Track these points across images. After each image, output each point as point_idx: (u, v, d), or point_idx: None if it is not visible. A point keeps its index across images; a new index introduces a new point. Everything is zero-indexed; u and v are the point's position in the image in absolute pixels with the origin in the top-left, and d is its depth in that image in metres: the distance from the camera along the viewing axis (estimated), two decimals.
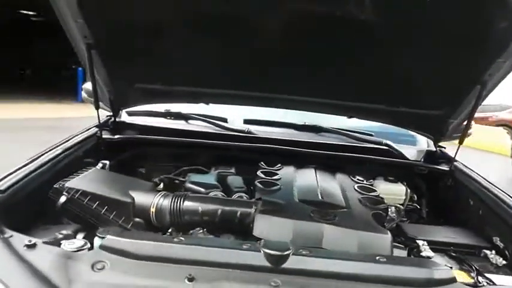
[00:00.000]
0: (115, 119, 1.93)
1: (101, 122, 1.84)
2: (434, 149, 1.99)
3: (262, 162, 1.75)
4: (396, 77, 1.61)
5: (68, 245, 1.07)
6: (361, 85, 1.71)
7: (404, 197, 1.82)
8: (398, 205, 1.78)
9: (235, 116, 2.09)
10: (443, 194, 1.87)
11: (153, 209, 1.34)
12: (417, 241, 1.38)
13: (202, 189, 1.50)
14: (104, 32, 1.51)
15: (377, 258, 1.09)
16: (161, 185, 1.58)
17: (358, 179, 1.75)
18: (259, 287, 0.98)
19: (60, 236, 1.19)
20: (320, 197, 1.48)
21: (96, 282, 0.95)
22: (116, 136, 1.84)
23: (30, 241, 1.02)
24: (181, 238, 1.11)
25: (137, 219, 1.36)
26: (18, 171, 1.28)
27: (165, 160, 1.90)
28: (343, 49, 1.49)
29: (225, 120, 2.06)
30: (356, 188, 1.62)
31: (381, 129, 2.11)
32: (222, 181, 1.60)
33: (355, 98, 1.80)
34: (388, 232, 1.28)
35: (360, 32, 1.39)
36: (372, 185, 1.75)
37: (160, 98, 1.91)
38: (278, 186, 1.53)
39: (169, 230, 1.33)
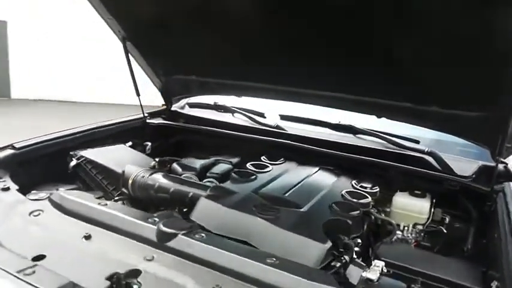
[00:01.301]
0: (167, 107, 2.19)
1: (157, 110, 2.15)
2: (494, 164, 1.54)
3: (264, 156, 1.72)
4: (427, 69, 1.36)
5: (32, 195, 1.33)
6: (387, 79, 1.50)
7: (426, 216, 1.49)
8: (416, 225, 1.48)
9: (273, 110, 2.07)
10: (479, 218, 1.46)
11: (130, 181, 1.52)
12: (374, 261, 1.15)
13: (180, 170, 1.59)
14: (134, 27, 1.77)
15: (267, 259, 0.99)
16: (153, 164, 1.72)
17: (361, 186, 1.52)
18: (137, 255, 1.04)
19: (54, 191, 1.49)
20: (284, 194, 1.38)
21: (24, 222, 1.18)
22: (156, 121, 2.10)
23: (5, 185, 1.34)
24: (105, 203, 1.25)
25: (124, 190, 1.56)
26: (42, 137, 1.65)
27: (197, 147, 2.05)
28: (370, 37, 1.36)
29: (262, 114, 2.07)
30: (343, 193, 1.43)
31: (440, 136, 1.75)
32: (208, 167, 1.64)
33: (380, 94, 1.58)
34: (328, 242, 1.11)
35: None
36: (376, 193, 1.50)
37: (197, 90, 2.08)
38: (253, 177, 1.49)
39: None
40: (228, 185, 1.42)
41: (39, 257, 1.03)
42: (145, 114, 2.11)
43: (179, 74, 1.98)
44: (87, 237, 1.12)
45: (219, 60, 1.81)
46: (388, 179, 1.64)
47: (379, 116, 1.67)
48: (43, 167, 1.61)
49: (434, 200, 1.54)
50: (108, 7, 1.66)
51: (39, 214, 1.23)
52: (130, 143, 1.92)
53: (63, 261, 1.03)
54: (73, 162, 1.64)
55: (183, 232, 1.09)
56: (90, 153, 1.67)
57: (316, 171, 1.63)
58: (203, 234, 1.10)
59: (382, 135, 1.76)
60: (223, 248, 1.04)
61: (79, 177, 1.65)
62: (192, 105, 2.30)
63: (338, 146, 1.72)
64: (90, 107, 9.23)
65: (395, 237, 1.50)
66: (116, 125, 1.96)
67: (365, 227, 1.38)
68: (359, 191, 1.46)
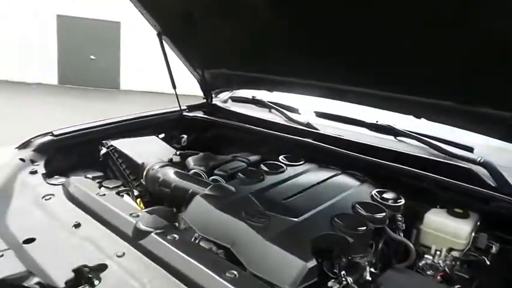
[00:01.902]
0: (207, 100, 2.18)
1: (197, 103, 2.16)
2: None
3: (283, 156, 1.59)
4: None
5: (52, 180, 1.42)
6: (426, 73, 1.28)
7: (463, 241, 1.22)
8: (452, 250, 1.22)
9: (308, 107, 1.92)
10: None
11: (144, 172, 1.53)
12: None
13: (191, 165, 1.55)
14: (167, 21, 1.79)
15: (227, 273, 0.91)
16: (173, 158, 1.70)
17: (382, 197, 1.31)
18: (110, 250, 1.04)
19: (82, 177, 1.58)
20: (287, 199, 1.25)
21: (34, 205, 1.26)
22: (192, 114, 2.10)
23: (33, 169, 1.45)
24: (104, 193, 1.27)
25: (142, 181, 1.58)
26: (80, 126, 1.75)
27: (231, 142, 2.00)
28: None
29: (296, 111, 1.94)
30: (356, 204, 1.24)
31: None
32: (220, 164, 1.57)
33: (417, 91, 1.35)
34: (311, 260, 0.97)
35: None
36: (399, 207, 1.27)
37: (232, 84, 2.03)
38: (260, 178, 1.38)
39: None
40: (231, 184, 1.34)
41: (29, 240, 1.09)
42: (183, 107, 2.12)
43: (213, 68, 1.95)
44: (77, 225, 1.15)
45: (252, 53, 1.73)
46: (423, 192, 1.39)
47: (417, 116, 1.42)
48: (78, 154, 1.72)
49: (479, 223, 1.26)
50: (142, 2, 1.68)
51: (50, 198, 1.31)
52: (162, 135, 1.95)
53: (47, 247, 1.07)
54: (103, 151, 1.71)
55: (157, 231, 1.06)
56: (119, 143, 1.73)
57: (335, 176, 1.45)
58: (176, 236, 1.05)
59: (425, 139, 1.51)
60: (187, 253, 0.98)
61: (108, 165, 1.72)
62: (234, 100, 2.26)
63: (368, 149, 1.51)
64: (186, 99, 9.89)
65: (422, 262, 1.28)
66: (152, 116, 2.01)
67: (378, 246, 1.19)
68: (376, 204, 1.26)
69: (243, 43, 1.71)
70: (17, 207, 1.26)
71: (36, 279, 0.89)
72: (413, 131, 1.57)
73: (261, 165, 1.48)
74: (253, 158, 1.68)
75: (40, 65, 11.35)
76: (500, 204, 1.23)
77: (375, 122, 1.68)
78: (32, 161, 1.52)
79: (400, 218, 1.32)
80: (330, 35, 1.37)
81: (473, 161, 1.37)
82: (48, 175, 1.46)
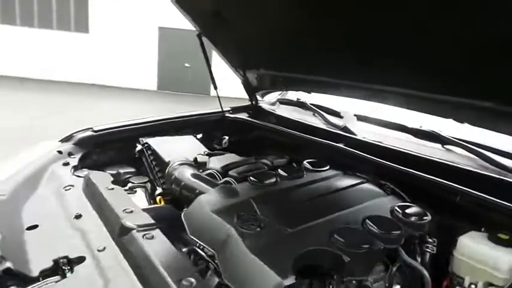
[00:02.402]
0: (252, 102, 2.13)
1: (242, 105, 2.13)
2: None
3: (307, 161, 1.45)
4: None
5: (78, 172, 1.50)
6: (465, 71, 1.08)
7: (505, 276, 0.97)
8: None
9: (350, 110, 1.75)
10: None
11: (167, 171, 1.53)
12: None
13: (209, 165, 1.50)
14: (206, 22, 1.79)
15: (183, 281, 0.85)
16: (199, 158, 1.66)
17: (404, 213, 1.10)
18: (95, 243, 1.05)
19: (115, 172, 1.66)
20: (288, 207, 1.13)
21: (54, 194, 1.35)
22: (233, 116, 2.06)
23: (66, 161, 1.55)
24: (112, 187, 1.29)
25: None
26: (119, 123, 1.83)
27: (271, 145, 1.92)
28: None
29: (338, 114, 1.78)
30: (366, 219, 1.06)
31: None
32: (237, 166, 1.49)
33: (456, 91, 1.13)
34: (289, 278, 0.86)
35: None
36: (423, 226, 1.06)
37: (274, 85, 1.94)
38: (271, 181, 1.27)
39: None
40: (240, 187, 1.26)
41: (32, 227, 1.15)
42: (227, 109, 2.10)
43: (252, 68, 1.90)
44: (77, 216, 1.19)
45: (288, 53, 1.65)
46: (465, 210, 1.15)
47: (459, 121, 1.19)
48: (116, 149, 1.80)
49: None
50: (179, 3, 1.71)
51: (69, 189, 1.38)
52: (200, 135, 1.94)
53: (44, 235, 1.12)
54: (138, 148, 1.77)
55: (138, 229, 1.04)
56: (154, 141, 1.77)
57: (356, 185, 1.28)
58: (154, 235, 1.02)
59: (474, 148, 1.25)
60: (156, 254, 0.93)
61: (142, 162, 1.77)
62: (282, 102, 2.18)
63: (404, 157, 1.31)
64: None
65: None
66: (193, 116, 2.02)
67: (390, 270, 1.01)
68: (393, 219, 1.07)
69: (277, 43, 1.63)
70: (39, 195, 1.35)
71: (8, 264, 0.92)
72: (461, 138, 1.33)
73: (278, 169, 1.37)
74: (279, 161, 1.58)
75: (142, 72, 12.50)
76: None
77: (418, 127, 1.46)
78: (70, 154, 1.63)
79: (430, 240, 1.11)
80: (370, 34, 1.23)
81: None
82: (79, 168, 1.55)
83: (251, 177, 1.28)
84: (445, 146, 1.39)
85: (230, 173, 1.43)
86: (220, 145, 2.01)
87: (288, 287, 0.84)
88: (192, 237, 1.07)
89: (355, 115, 1.73)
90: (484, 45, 0.96)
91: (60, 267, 0.96)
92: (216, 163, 1.52)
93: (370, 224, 1.03)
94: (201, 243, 1.04)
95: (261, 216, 1.05)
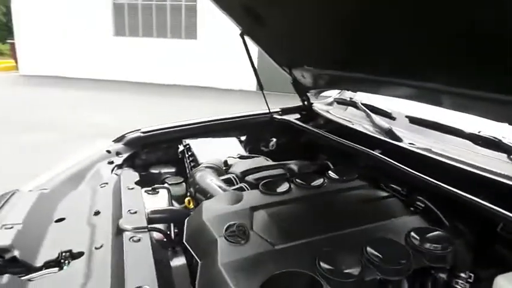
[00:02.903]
0: (303, 102, 2.02)
1: (294, 106, 2.05)
2: None
3: (332, 169, 1.30)
4: None
5: (117, 170, 1.59)
6: None
7: None
8: None
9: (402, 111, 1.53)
10: None
11: (192, 172, 1.54)
12: None
13: (230, 169, 1.45)
14: (247, 21, 1.74)
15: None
16: (229, 160, 1.61)
17: (421, 238, 0.90)
18: (97, 240, 1.10)
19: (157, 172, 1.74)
20: (286, 220, 1.02)
21: (90, 190, 1.45)
22: (280, 117, 1.97)
23: (111, 160, 1.66)
24: (133, 187, 1.34)
25: None
26: (166, 125, 1.90)
27: (318, 149, 1.80)
28: None
29: (389, 115, 1.57)
30: (368, 243, 0.89)
31: None
32: (256, 171, 1.41)
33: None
34: None
35: None
36: (443, 258, 0.85)
37: (314, 83, 1.81)
38: (283, 190, 1.17)
39: None
40: (247, 193, 1.19)
41: (60, 219, 1.25)
42: (276, 110, 2.03)
43: (297, 66, 1.79)
44: (96, 213, 1.25)
45: (331, 48, 1.51)
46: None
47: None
48: (162, 150, 1.88)
49: None
50: (218, 2, 1.70)
51: (104, 186, 1.47)
52: (244, 137, 1.91)
53: (65, 228, 1.21)
54: (180, 148, 1.81)
55: (130, 231, 1.05)
56: (194, 142, 1.80)
57: (378, 200, 1.10)
58: (141, 238, 1.01)
59: None
60: (130, 257, 0.93)
61: (183, 162, 1.81)
62: (338, 102, 2.02)
63: (449, 170, 1.08)
64: None
65: None
66: (240, 118, 2.00)
67: None
68: (404, 245, 0.88)
69: (315, 39, 1.51)
70: (78, 191, 1.47)
71: (15, 253, 1.01)
72: None
73: (296, 178, 1.26)
74: (304, 165, 1.46)
75: (243, 74, 12.99)
76: None
77: (477, 132, 1.20)
78: (118, 153, 1.74)
79: (463, 275, 0.90)
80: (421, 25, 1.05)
81: None
82: (122, 166, 1.65)
83: (260, 185, 1.20)
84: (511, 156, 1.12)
85: (247, 178, 1.36)
86: (267, 147, 1.95)
87: None
88: (185, 242, 1.05)
89: (406, 116, 1.50)
90: None
91: (60, 261, 1.02)
92: (240, 167, 1.46)
93: (370, 248, 0.87)
94: (190, 250, 1.01)
95: (248, 229, 0.97)
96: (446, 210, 1.04)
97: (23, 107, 8.37)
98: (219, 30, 13.01)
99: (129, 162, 1.74)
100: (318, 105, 2.04)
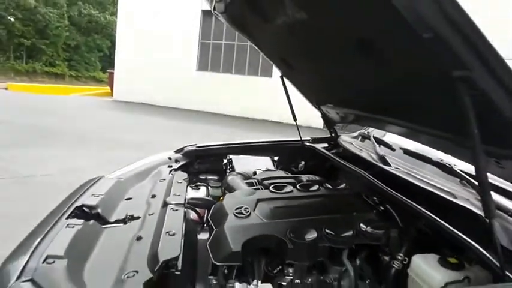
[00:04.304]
0: (331, 134, 2.40)
1: (323, 137, 2.44)
2: None
3: (326, 183, 1.67)
4: None
5: (174, 173, 2.10)
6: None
7: None
8: None
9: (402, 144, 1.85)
10: None
11: (226, 175, 1.98)
12: None
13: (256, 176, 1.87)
14: (283, 66, 2.21)
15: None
16: (257, 171, 2.01)
17: (367, 225, 1.24)
18: (150, 209, 1.59)
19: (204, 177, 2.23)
20: (278, 208, 1.42)
21: (152, 183, 1.97)
22: (309, 144, 2.36)
23: (170, 164, 2.18)
24: (180, 182, 1.82)
25: None
26: (217, 143, 2.39)
27: (338, 173, 2.15)
28: None
29: (390, 146, 1.90)
30: (325, 226, 1.25)
31: None
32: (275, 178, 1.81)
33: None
34: (236, 248, 1.19)
35: None
36: (379, 238, 1.18)
37: (338, 119, 2.18)
38: (287, 191, 1.58)
39: None
40: (260, 191, 1.61)
41: (129, 198, 1.77)
42: (307, 138, 2.42)
43: (323, 104, 2.19)
44: (153, 196, 1.74)
45: (340, 90, 1.91)
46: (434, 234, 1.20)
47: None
48: (211, 162, 2.36)
49: (465, 278, 1.01)
50: (261, 50, 2.20)
51: (162, 181, 1.97)
52: (276, 157, 2.33)
53: (131, 204, 1.71)
54: (224, 161, 2.28)
55: (171, 204, 1.51)
56: (236, 157, 2.26)
57: (355, 201, 1.46)
58: (178, 209, 1.47)
59: (472, 180, 1.26)
60: (168, 221, 1.38)
61: (226, 172, 2.27)
62: (362, 136, 2.37)
63: (409, 187, 1.40)
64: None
65: None
66: (276, 142, 2.43)
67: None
68: (346, 226, 1.23)
69: (335, 83, 1.91)
70: (143, 183, 1.99)
71: (98, 210, 1.53)
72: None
73: (299, 184, 1.65)
74: (311, 179, 1.83)
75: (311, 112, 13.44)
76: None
77: (439, 160, 1.50)
78: (176, 160, 2.27)
79: (399, 257, 1.23)
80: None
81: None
82: (177, 170, 2.16)
83: (271, 187, 1.62)
84: (461, 181, 1.41)
85: (264, 182, 1.78)
86: (297, 168, 2.34)
87: (233, 253, 1.16)
88: (208, 218, 1.48)
89: (401, 148, 1.82)
90: None
91: (125, 220, 1.52)
92: (262, 175, 1.89)
93: (326, 227, 1.24)
94: (211, 222, 1.44)
95: (250, 209, 1.39)
96: (398, 213, 1.36)
97: (115, 128, 9.65)
98: None
99: (183, 168, 2.24)
100: (344, 137, 2.39)
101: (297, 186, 1.64)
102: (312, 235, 1.20)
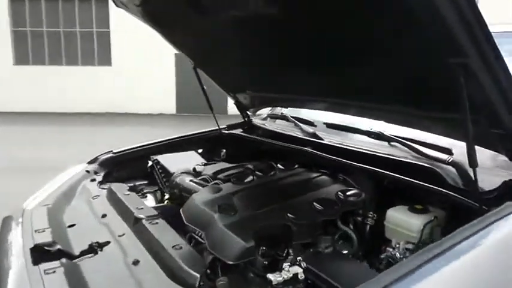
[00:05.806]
0: (244, 119, 2.52)
1: (237, 122, 2.52)
2: None
3: (280, 163, 1.82)
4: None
5: (103, 185, 1.91)
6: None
7: (414, 234, 1.30)
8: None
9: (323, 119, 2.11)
10: None
11: (171, 178, 1.92)
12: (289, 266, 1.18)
13: (202, 172, 1.89)
14: (196, 57, 2.19)
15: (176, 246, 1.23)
16: (197, 167, 2.04)
17: (345, 194, 1.45)
18: (117, 231, 1.44)
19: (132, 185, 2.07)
20: (258, 197, 1.50)
21: (85, 202, 1.75)
22: (228, 132, 2.45)
23: (93, 178, 1.97)
24: (128, 193, 1.69)
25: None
26: (135, 145, 2.24)
27: (264, 155, 2.28)
28: None
29: (312, 123, 2.14)
30: (314, 201, 1.41)
31: None
32: (224, 171, 1.87)
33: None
34: (250, 243, 1.21)
35: None
36: (356, 202, 1.40)
37: (254, 104, 2.33)
38: (249, 180, 1.65)
39: None
40: (225, 186, 1.63)
41: (72, 225, 1.56)
42: (223, 126, 2.49)
43: (240, 91, 2.28)
44: (103, 216, 1.59)
45: (264, 77, 2.03)
46: (397, 191, 1.48)
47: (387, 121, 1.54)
48: (132, 166, 2.21)
49: (434, 217, 1.32)
50: (174, 44, 2.13)
51: (96, 198, 1.79)
52: (200, 150, 2.34)
53: (80, 229, 1.53)
54: (149, 164, 2.17)
55: (146, 219, 1.42)
56: (162, 157, 2.17)
57: (313, 178, 1.64)
58: (158, 222, 1.40)
59: (405, 142, 1.58)
60: (157, 233, 1.32)
61: (153, 175, 2.17)
62: (271, 116, 2.55)
63: (354, 154, 1.65)
64: None
65: (384, 254, 1.38)
66: (195, 135, 2.42)
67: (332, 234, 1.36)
68: (333, 200, 1.42)
69: (256, 70, 2.01)
70: (74, 204, 1.77)
71: (58, 246, 1.32)
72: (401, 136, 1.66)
73: (256, 171, 1.74)
74: (260, 166, 1.95)
75: (162, 97, 13.18)
76: (457, 202, 1.27)
77: (369, 129, 1.80)
78: (95, 172, 2.05)
79: (369, 215, 1.46)
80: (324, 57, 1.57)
81: (444, 162, 1.41)
82: (103, 182, 1.96)
83: (232, 178, 1.66)
84: (390, 143, 1.72)
85: (218, 176, 1.81)
86: (219, 157, 2.39)
87: (248, 248, 1.20)
88: (186, 223, 1.45)
89: (324, 123, 2.08)
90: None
91: (94, 248, 1.36)
92: (209, 170, 1.90)
93: (316, 204, 1.39)
94: (192, 226, 1.41)
95: (235, 205, 1.42)
96: (355, 178, 1.61)
97: None
98: (134, 55, 13.09)
99: (108, 179, 2.05)
100: (256, 120, 2.54)
101: (255, 173, 1.72)
102: (308, 214, 1.33)
